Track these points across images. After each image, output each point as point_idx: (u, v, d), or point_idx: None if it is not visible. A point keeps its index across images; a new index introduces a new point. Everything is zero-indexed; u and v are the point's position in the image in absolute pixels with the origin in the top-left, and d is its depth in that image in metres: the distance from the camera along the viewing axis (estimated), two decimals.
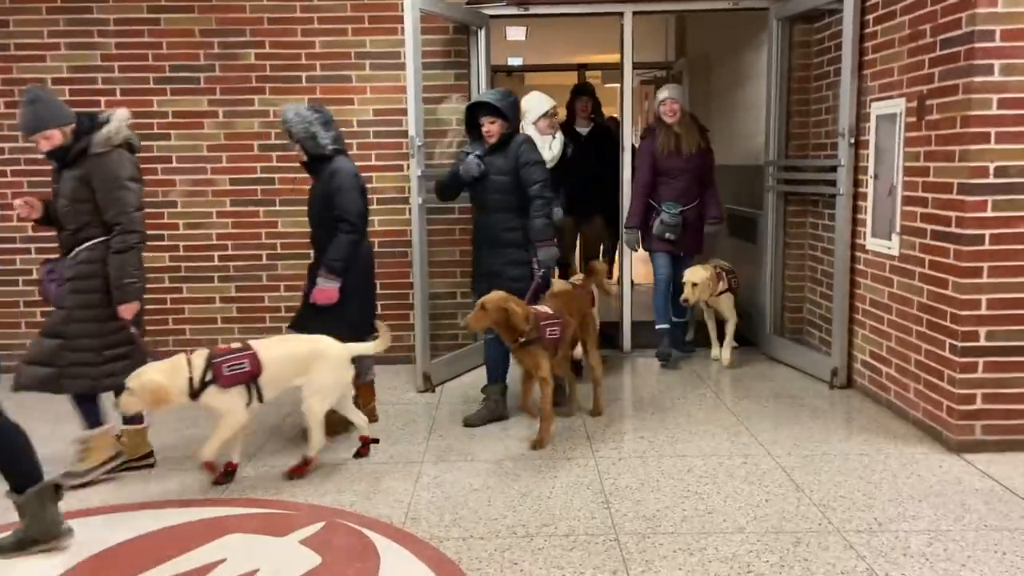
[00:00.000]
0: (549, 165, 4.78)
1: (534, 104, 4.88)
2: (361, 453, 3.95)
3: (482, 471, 3.76)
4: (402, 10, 4.88)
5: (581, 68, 9.52)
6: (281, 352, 3.66)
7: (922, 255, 4.11)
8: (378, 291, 4.51)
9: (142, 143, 5.33)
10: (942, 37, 3.91)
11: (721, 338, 5.54)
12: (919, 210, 4.13)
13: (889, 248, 4.42)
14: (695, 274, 5.18)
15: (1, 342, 5.60)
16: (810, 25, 5.47)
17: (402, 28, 5.03)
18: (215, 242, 5.58)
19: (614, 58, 6.09)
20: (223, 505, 3.44)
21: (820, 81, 5.38)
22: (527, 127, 4.80)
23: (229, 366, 3.51)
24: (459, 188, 4.51)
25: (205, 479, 3.68)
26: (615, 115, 6.57)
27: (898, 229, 4.33)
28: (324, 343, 3.74)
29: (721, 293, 5.35)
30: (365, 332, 4.14)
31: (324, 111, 4.16)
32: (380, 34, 5.42)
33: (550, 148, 4.85)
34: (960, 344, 3.82)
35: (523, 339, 3.92)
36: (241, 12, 5.41)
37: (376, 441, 4.03)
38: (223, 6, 5.40)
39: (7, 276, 5.59)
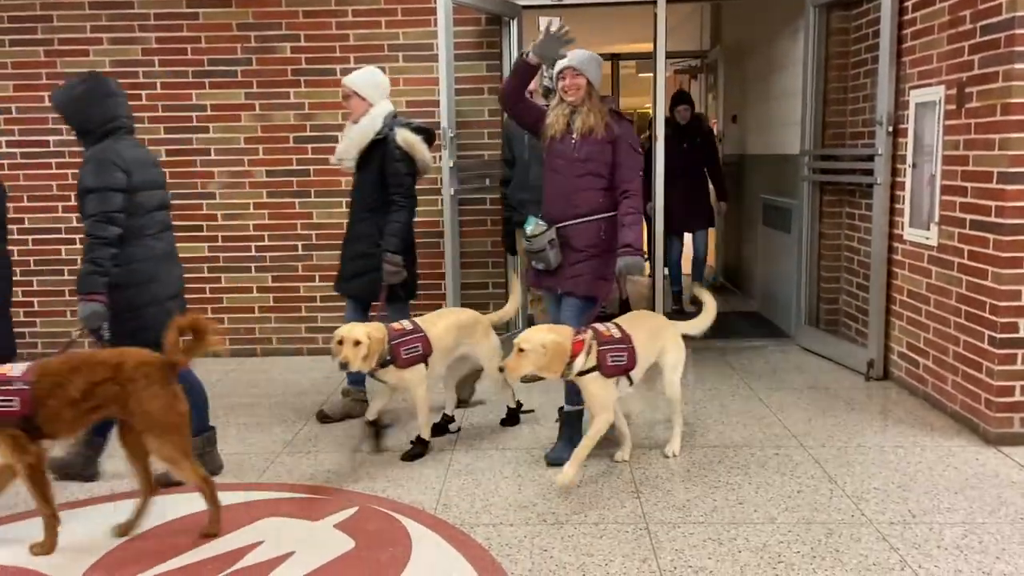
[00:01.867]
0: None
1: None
2: None
3: (512, 460, 3.79)
4: (435, 2, 4.91)
5: (615, 58, 9.48)
6: None
7: (961, 245, 4.04)
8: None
9: (181, 136, 5.56)
10: (982, 23, 3.83)
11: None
12: (958, 199, 4.06)
13: (927, 238, 4.36)
14: (527, 338, 3.26)
15: (47, 330, 5.77)
16: (847, 12, 5.38)
17: (435, 20, 5.05)
18: (252, 233, 5.69)
19: (648, 47, 6.06)
20: (260, 490, 3.52)
21: (857, 69, 5.29)
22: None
23: None
24: None
25: (242, 463, 3.77)
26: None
27: (936, 219, 4.26)
28: None
29: (585, 373, 3.33)
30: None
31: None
32: (413, 26, 5.46)
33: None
34: (999, 336, 3.75)
35: None
36: (277, 6, 5.48)
37: None
38: (259, 0, 5.48)
39: (52, 266, 5.74)
